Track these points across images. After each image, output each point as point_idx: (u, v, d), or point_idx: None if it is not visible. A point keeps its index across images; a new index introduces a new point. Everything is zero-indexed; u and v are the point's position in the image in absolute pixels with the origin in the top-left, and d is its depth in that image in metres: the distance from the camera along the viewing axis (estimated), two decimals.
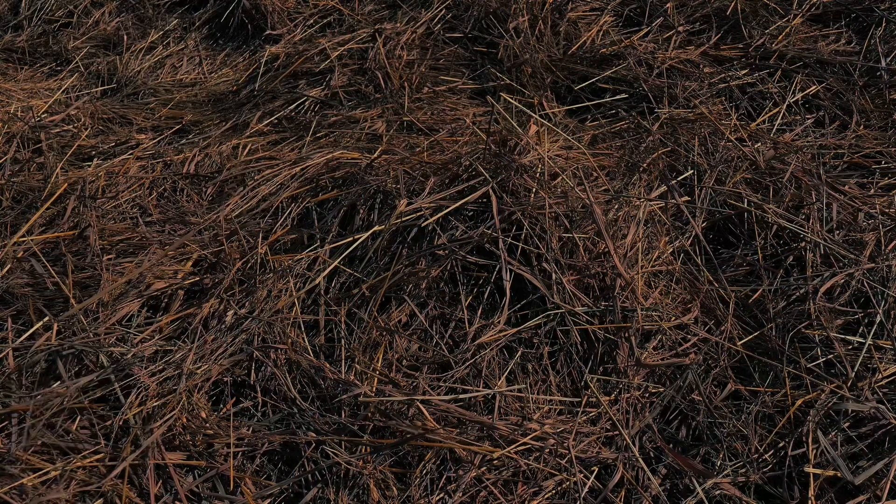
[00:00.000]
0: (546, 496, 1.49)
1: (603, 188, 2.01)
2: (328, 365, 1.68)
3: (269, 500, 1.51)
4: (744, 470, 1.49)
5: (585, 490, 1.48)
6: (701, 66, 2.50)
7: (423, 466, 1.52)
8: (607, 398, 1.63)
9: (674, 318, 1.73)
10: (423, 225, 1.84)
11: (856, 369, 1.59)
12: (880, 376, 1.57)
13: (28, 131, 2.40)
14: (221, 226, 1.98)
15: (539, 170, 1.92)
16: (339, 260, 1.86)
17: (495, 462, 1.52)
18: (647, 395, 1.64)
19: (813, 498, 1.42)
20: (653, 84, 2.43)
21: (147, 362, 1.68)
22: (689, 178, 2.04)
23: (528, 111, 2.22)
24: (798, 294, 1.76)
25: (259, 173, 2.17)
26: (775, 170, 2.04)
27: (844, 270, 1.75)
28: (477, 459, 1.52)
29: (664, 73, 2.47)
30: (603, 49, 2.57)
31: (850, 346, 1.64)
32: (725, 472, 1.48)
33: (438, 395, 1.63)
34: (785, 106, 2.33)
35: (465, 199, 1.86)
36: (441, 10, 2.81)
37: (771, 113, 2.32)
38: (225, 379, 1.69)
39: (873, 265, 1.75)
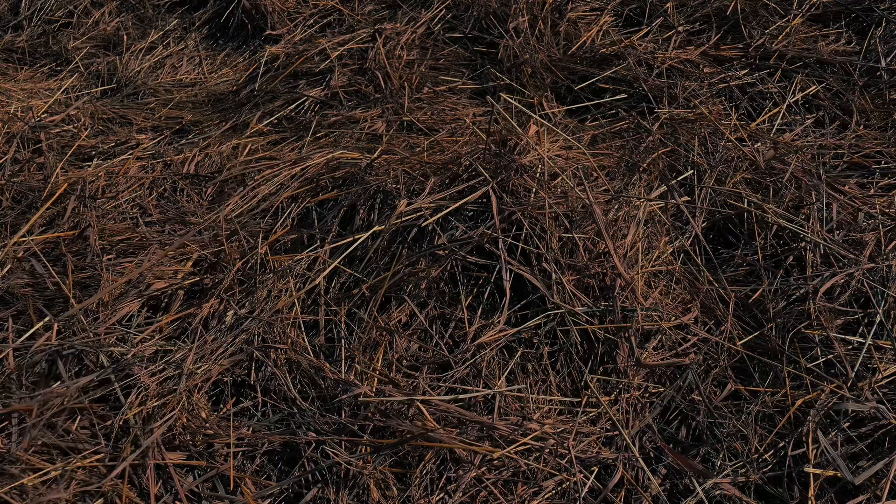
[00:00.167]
0: (546, 496, 1.49)
1: (603, 188, 2.01)
2: (328, 365, 1.68)
3: (269, 500, 1.51)
4: (744, 470, 1.49)
5: (585, 490, 1.48)
6: (701, 66, 2.50)
7: (423, 466, 1.52)
8: (607, 398, 1.63)
9: (674, 318, 1.73)
10: (423, 225, 1.84)
11: (856, 369, 1.59)
12: (880, 376, 1.57)
13: (28, 131, 2.40)
14: (221, 226, 1.98)
15: (539, 170, 1.92)
16: (339, 260, 1.86)
17: (495, 462, 1.52)
18: (647, 395, 1.64)
19: (813, 498, 1.42)
20: (653, 84, 2.43)
21: (147, 362, 1.68)
22: (689, 178, 2.04)
23: (528, 111, 2.22)
24: (798, 294, 1.76)
25: (259, 173, 2.17)
26: (775, 170, 2.04)
27: (844, 270, 1.75)
28: (477, 459, 1.52)
29: (664, 73, 2.47)
30: (603, 49, 2.57)
31: (850, 346, 1.64)
32: (725, 472, 1.48)
33: (438, 395, 1.63)
34: (785, 106, 2.33)
35: (465, 199, 1.86)
36: (441, 10, 2.81)
37: (771, 113, 2.32)
38: (225, 379, 1.69)
39: (873, 265, 1.75)
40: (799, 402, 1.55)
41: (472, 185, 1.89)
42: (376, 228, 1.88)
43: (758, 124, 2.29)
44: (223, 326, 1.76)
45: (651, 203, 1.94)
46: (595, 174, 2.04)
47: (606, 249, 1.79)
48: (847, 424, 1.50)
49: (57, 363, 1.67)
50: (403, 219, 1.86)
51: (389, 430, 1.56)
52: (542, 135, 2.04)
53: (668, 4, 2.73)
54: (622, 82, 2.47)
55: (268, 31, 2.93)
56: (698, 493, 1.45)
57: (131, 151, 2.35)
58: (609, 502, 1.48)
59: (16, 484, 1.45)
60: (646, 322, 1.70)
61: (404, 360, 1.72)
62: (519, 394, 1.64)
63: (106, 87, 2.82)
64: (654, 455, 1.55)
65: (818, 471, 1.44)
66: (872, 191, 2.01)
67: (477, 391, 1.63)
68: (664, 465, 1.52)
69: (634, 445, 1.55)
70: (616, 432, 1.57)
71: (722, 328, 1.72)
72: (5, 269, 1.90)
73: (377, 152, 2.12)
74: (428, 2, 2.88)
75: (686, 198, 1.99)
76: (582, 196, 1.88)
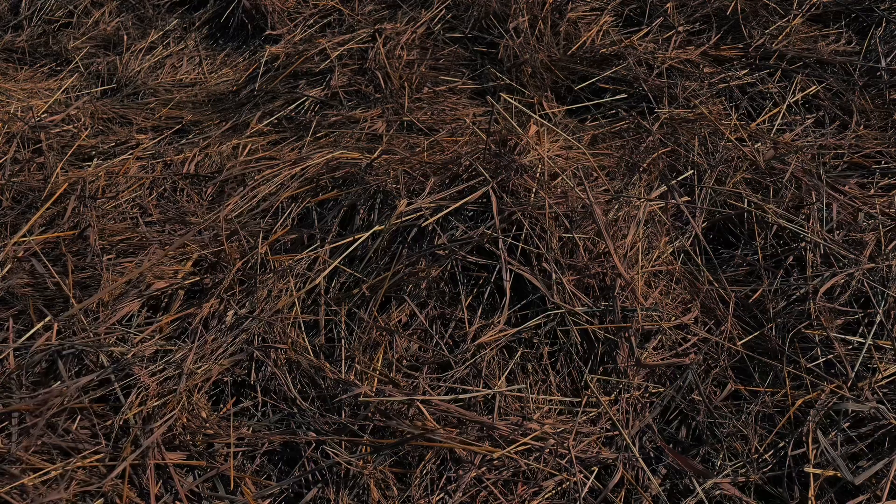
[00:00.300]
0: (546, 496, 1.49)
1: (603, 188, 2.01)
2: (328, 365, 1.68)
3: (269, 500, 1.51)
4: (744, 470, 1.49)
5: (585, 490, 1.48)
6: (701, 66, 2.50)
7: (423, 466, 1.52)
8: (607, 398, 1.63)
9: (674, 318, 1.73)
10: (423, 225, 1.84)
11: (856, 369, 1.59)
12: (880, 376, 1.57)
13: (28, 131, 2.40)
14: (221, 226, 1.98)
15: (539, 170, 1.92)
16: (339, 260, 1.86)
17: (495, 462, 1.52)
18: (647, 395, 1.64)
19: (813, 498, 1.42)
20: (653, 84, 2.43)
21: (147, 362, 1.68)
22: (689, 178, 2.04)
23: (528, 111, 2.22)
24: (798, 294, 1.76)
25: (259, 173, 2.17)
26: (775, 170, 2.04)
27: (844, 270, 1.75)
28: (477, 459, 1.52)
29: (664, 73, 2.47)
30: (603, 49, 2.57)
31: (850, 346, 1.64)
32: (725, 472, 1.48)
33: (438, 395, 1.63)
34: (785, 106, 2.33)
35: (465, 199, 1.86)
36: (441, 10, 2.81)
37: (771, 113, 2.32)
38: (225, 379, 1.69)
39: (873, 265, 1.75)
40: (799, 402, 1.55)
41: (472, 185, 1.89)
42: (376, 228, 1.88)
43: (758, 124, 2.29)
44: (223, 326, 1.76)
45: (651, 203, 1.94)
46: (595, 174, 2.04)
47: (606, 249, 1.79)
48: (847, 424, 1.50)
49: (57, 363, 1.67)
50: (403, 219, 1.86)
51: (389, 430, 1.56)
52: (542, 135, 2.04)
53: (668, 4, 2.73)
54: (622, 82, 2.47)
55: (268, 31, 2.93)
56: (698, 493, 1.45)
57: (131, 151, 2.35)
58: (609, 502, 1.48)
59: (16, 484, 1.45)
60: (646, 322, 1.70)
61: (404, 360, 1.72)
62: (519, 394, 1.64)
63: (106, 87, 2.82)
64: (654, 455, 1.55)
65: (818, 471, 1.44)
66: (872, 191, 2.01)
67: (477, 391, 1.63)
68: (664, 465, 1.52)
69: (634, 445, 1.55)
70: (616, 432, 1.57)
71: (722, 328, 1.72)
72: (5, 269, 1.90)
73: (377, 152, 2.12)
74: (428, 2, 2.88)
75: (686, 198, 1.99)
76: (582, 196, 1.88)
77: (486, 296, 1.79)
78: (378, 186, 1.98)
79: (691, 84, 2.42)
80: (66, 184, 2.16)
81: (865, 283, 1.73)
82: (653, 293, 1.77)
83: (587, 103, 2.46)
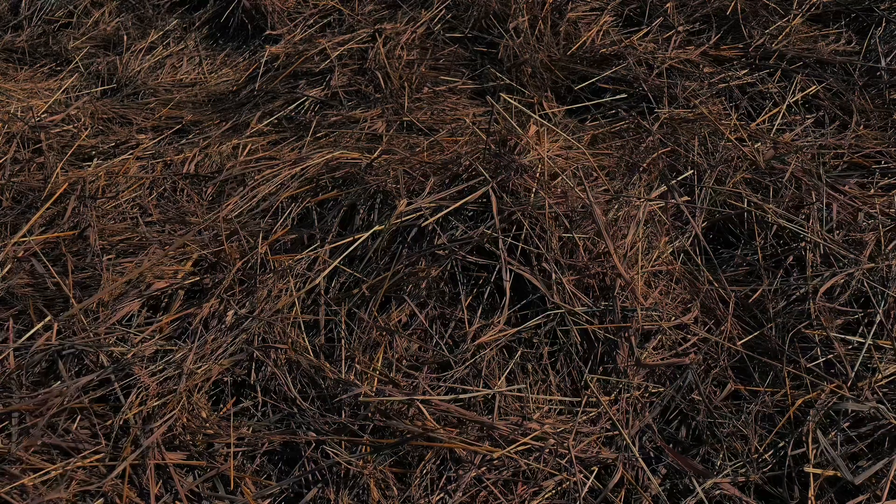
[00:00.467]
0: (546, 496, 1.49)
1: (603, 188, 2.01)
2: (328, 365, 1.68)
3: (269, 500, 1.51)
4: (744, 470, 1.49)
5: (585, 490, 1.48)
6: (701, 66, 2.50)
7: (423, 466, 1.52)
8: (607, 398, 1.63)
9: (674, 318, 1.73)
10: (423, 225, 1.84)
11: (856, 369, 1.59)
12: (880, 376, 1.57)
13: (28, 131, 2.40)
14: (221, 226, 1.98)
15: (539, 170, 1.92)
16: (339, 260, 1.86)
17: (495, 462, 1.52)
18: (647, 395, 1.64)
19: (813, 498, 1.42)
20: (653, 84, 2.43)
21: (147, 362, 1.68)
22: (689, 178, 2.04)
23: (528, 111, 2.22)
24: (798, 294, 1.76)
25: (259, 173, 2.17)
26: (775, 170, 2.04)
27: (844, 270, 1.75)
28: (477, 459, 1.52)
29: (664, 73, 2.47)
30: (603, 49, 2.57)
31: (850, 346, 1.64)
32: (725, 472, 1.48)
33: (438, 395, 1.63)
34: (785, 106, 2.33)
35: (465, 199, 1.86)
36: (441, 10, 2.81)
37: (771, 113, 2.32)
38: (225, 379, 1.69)
39: (873, 265, 1.75)
40: (799, 402, 1.55)
41: (472, 185, 1.89)
42: (376, 228, 1.88)
43: (758, 124, 2.29)
44: (223, 326, 1.76)
45: (651, 203, 1.94)
46: (595, 174, 2.04)
47: (606, 249, 1.79)
48: (847, 424, 1.50)
49: (57, 363, 1.67)
50: (403, 219, 1.86)
51: (389, 430, 1.56)
52: (542, 135, 2.04)
53: (668, 4, 2.73)
54: (622, 82, 2.47)
55: (268, 31, 2.93)
56: (698, 493, 1.45)
57: (131, 151, 2.35)
58: (609, 502, 1.48)
59: (16, 484, 1.45)
60: (646, 322, 1.70)
61: (404, 360, 1.72)
62: (519, 394, 1.64)
63: (106, 87, 2.82)
64: (654, 455, 1.55)
65: (818, 471, 1.44)
66: (872, 191, 2.01)
67: (477, 391, 1.63)
68: (664, 465, 1.52)
69: (634, 445, 1.55)
70: (616, 432, 1.57)
71: (722, 328, 1.72)
72: (5, 269, 1.90)
73: (377, 152, 2.12)
74: (428, 2, 2.88)
75: (686, 198, 1.99)
76: (582, 196, 1.88)
77: (486, 296, 1.79)
78: (378, 186, 1.98)
79: (691, 84, 2.42)
80: (66, 184, 2.16)
81: (865, 283, 1.73)
82: (653, 293, 1.77)
83: (587, 103, 2.46)
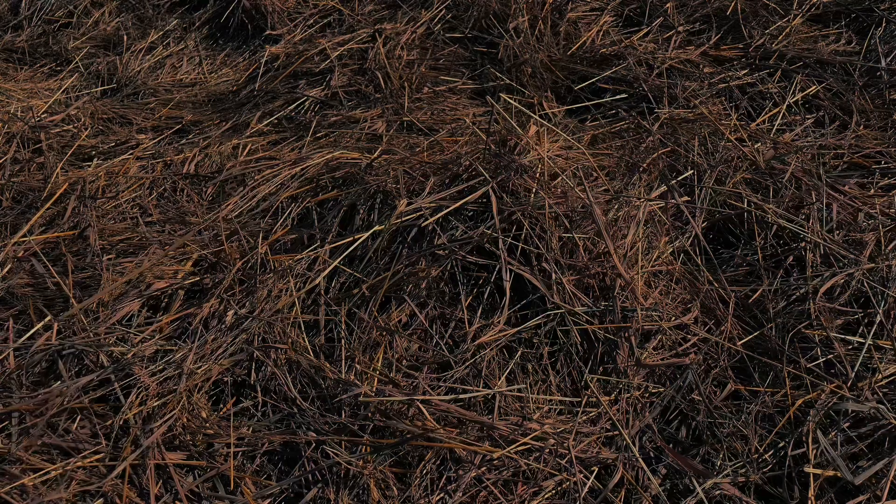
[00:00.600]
0: (546, 496, 1.49)
1: (603, 188, 2.01)
2: (328, 365, 1.68)
3: (269, 500, 1.51)
4: (744, 470, 1.49)
5: (585, 490, 1.48)
6: (701, 66, 2.50)
7: (423, 466, 1.52)
8: (607, 398, 1.63)
9: (674, 318, 1.73)
10: (423, 225, 1.84)
11: (856, 369, 1.59)
12: (880, 376, 1.57)
13: (28, 131, 2.40)
14: (221, 226, 1.98)
15: (539, 170, 1.92)
16: (339, 260, 1.86)
17: (495, 462, 1.52)
18: (647, 395, 1.64)
19: (813, 498, 1.42)
20: (653, 84, 2.43)
21: (147, 362, 1.68)
22: (689, 178, 2.04)
23: (528, 111, 2.22)
24: (798, 294, 1.76)
25: (259, 173, 2.17)
26: (775, 170, 2.04)
27: (844, 270, 1.75)
28: (477, 459, 1.52)
29: (664, 73, 2.47)
30: (603, 49, 2.57)
31: (850, 346, 1.64)
32: (725, 472, 1.48)
33: (438, 395, 1.63)
34: (785, 106, 2.33)
35: (465, 199, 1.86)
36: (441, 10, 2.81)
37: (771, 113, 2.32)
38: (225, 379, 1.69)
39: (873, 265, 1.75)
40: (799, 402, 1.55)
41: (472, 185, 1.89)
42: (376, 228, 1.88)
43: (758, 124, 2.29)
44: (223, 326, 1.76)
45: (651, 203, 1.94)
46: (595, 174, 2.04)
47: (606, 249, 1.79)
48: (847, 424, 1.50)
49: (57, 363, 1.67)
50: (403, 219, 1.86)
51: (389, 430, 1.56)
52: (542, 135, 2.04)
53: (668, 4, 2.73)
54: (622, 82, 2.47)
55: (268, 31, 2.93)
56: (698, 493, 1.44)
57: (131, 151, 2.35)
58: (609, 502, 1.48)
59: (16, 484, 1.45)
60: (646, 322, 1.70)
61: (404, 360, 1.72)
62: (519, 394, 1.64)
63: (106, 87, 2.82)
64: (654, 455, 1.55)
65: (818, 471, 1.44)
66: (872, 191, 2.01)
67: (477, 391, 1.63)
68: (664, 465, 1.52)
69: (634, 445, 1.55)
70: (616, 432, 1.57)
71: (722, 328, 1.72)
72: (5, 270, 1.90)
73: (377, 152, 2.12)
74: (428, 2, 2.88)
75: (686, 198, 1.99)
76: (582, 196, 1.88)
77: (486, 296, 1.79)
78: (378, 186, 1.98)
79: (691, 84, 2.42)
80: (66, 184, 2.16)
81: (865, 283, 1.73)
82: (653, 293, 1.77)
83: (587, 103, 2.46)
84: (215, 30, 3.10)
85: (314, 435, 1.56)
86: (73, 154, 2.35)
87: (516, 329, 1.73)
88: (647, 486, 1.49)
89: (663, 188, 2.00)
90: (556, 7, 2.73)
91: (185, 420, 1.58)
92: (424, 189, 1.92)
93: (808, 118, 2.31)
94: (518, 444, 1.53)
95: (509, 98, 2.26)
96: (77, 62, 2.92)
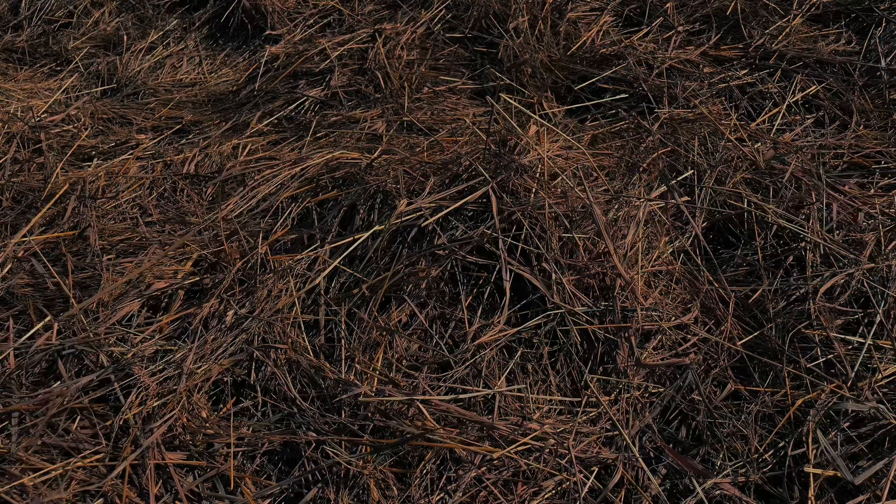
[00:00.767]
0: (546, 496, 1.49)
1: (603, 188, 2.01)
2: (328, 365, 1.68)
3: (269, 500, 1.51)
4: (744, 470, 1.49)
5: (585, 490, 1.48)
6: (701, 66, 2.50)
7: (423, 466, 1.52)
8: (607, 398, 1.63)
9: (674, 318, 1.73)
10: (423, 225, 1.84)
11: (856, 369, 1.59)
12: (880, 376, 1.57)
13: (28, 131, 2.40)
14: (221, 226, 1.98)
15: (539, 170, 1.92)
16: (339, 260, 1.86)
17: (495, 462, 1.52)
18: (647, 395, 1.64)
19: (813, 498, 1.42)
20: (653, 84, 2.43)
21: (147, 362, 1.68)
22: (689, 178, 2.04)
23: (528, 111, 2.22)
24: (798, 294, 1.76)
25: (259, 173, 2.17)
26: (775, 170, 2.04)
27: (844, 270, 1.75)
28: (477, 459, 1.52)
29: (664, 73, 2.47)
30: (603, 49, 2.57)
31: (850, 346, 1.64)
32: (725, 472, 1.48)
33: (438, 395, 1.63)
34: (785, 106, 2.33)
35: (465, 199, 1.86)
36: (441, 10, 2.81)
37: (771, 113, 2.32)
38: (225, 379, 1.69)
39: (873, 265, 1.75)
40: (799, 402, 1.55)
41: (472, 185, 1.89)
42: (376, 228, 1.88)
43: (758, 124, 2.29)
44: (223, 326, 1.76)
45: (651, 203, 1.94)
46: (595, 174, 2.04)
47: (606, 249, 1.79)
48: (847, 424, 1.50)
49: (57, 363, 1.67)
50: (403, 219, 1.86)
51: (389, 430, 1.56)
52: (542, 135, 2.04)
53: (668, 4, 2.73)
54: (622, 82, 2.47)
55: (268, 31, 2.93)
56: (698, 493, 1.44)
57: (131, 151, 2.35)
58: (609, 502, 1.48)
59: (16, 483, 1.45)
60: (646, 322, 1.70)
61: (404, 360, 1.72)
62: (519, 394, 1.64)
63: (106, 87, 2.82)
64: (654, 455, 1.55)
65: (818, 471, 1.44)
66: (872, 191, 2.01)
67: (477, 391, 1.63)
68: (664, 465, 1.52)
69: (634, 445, 1.55)
70: (616, 432, 1.57)
71: (722, 328, 1.72)
72: (5, 269, 1.90)
73: (377, 152, 2.12)
74: (428, 2, 2.88)
75: (686, 198, 1.99)
76: (582, 196, 1.88)
77: (486, 296, 1.79)
78: (378, 186, 1.98)
79: (691, 84, 2.42)
80: (67, 184, 2.16)
81: (865, 283, 1.73)
82: (653, 293, 1.77)
83: (587, 103, 2.46)
84: (215, 30, 3.10)
85: (314, 435, 1.56)
86: (73, 154, 2.35)
87: (516, 329, 1.73)
88: (647, 486, 1.49)
89: (663, 188, 2.00)
90: (556, 7, 2.73)
91: (185, 420, 1.58)
92: (424, 189, 1.92)
93: (808, 118, 2.31)
94: (518, 444, 1.53)
95: (509, 98, 2.26)
96: (77, 62, 2.92)
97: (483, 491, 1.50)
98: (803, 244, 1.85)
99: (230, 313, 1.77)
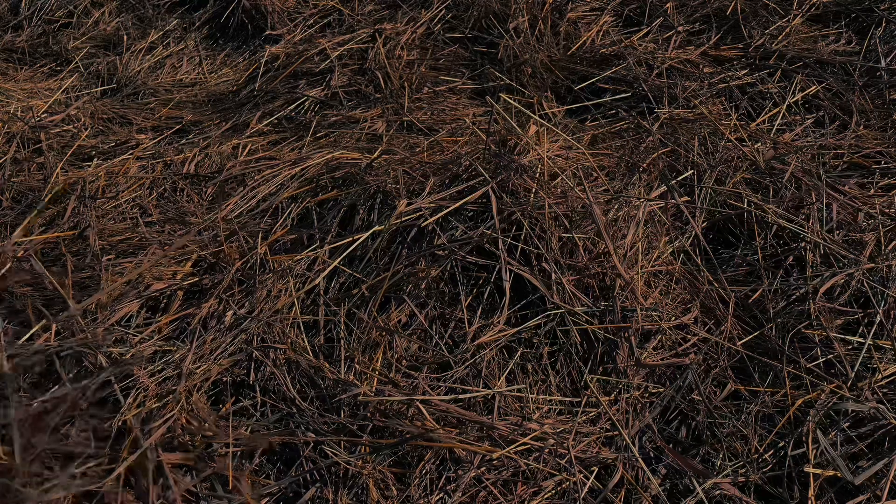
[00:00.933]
0: (546, 496, 1.49)
1: (603, 188, 2.01)
2: (328, 365, 1.68)
3: (267, 500, 1.51)
4: (744, 470, 1.48)
5: (585, 490, 1.48)
6: (701, 66, 2.50)
7: (422, 466, 1.52)
8: (607, 398, 1.63)
9: (674, 318, 1.73)
10: (423, 225, 1.84)
11: (856, 369, 1.59)
12: (880, 376, 1.57)
13: (28, 131, 2.40)
14: (221, 226, 1.98)
15: (539, 170, 1.92)
16: (338, 260, 1.86)
17: (495, 462, 1.52)
18: (647, 395, 1.64)
19: (813, 498, 1.42)
20: (653, 84, 2.42)
21: (146, 363, 1.68)
22: (689, 178, 2.04)
23: (528, 111, 2.22)
24: (798, 294, 1.76)
25: (259, 173, 2.17)
26: (775, 170, 2.04)
27: (844, 270, 1.75)
28: (477, 459, 1.52)
29: (664, 73, 2.46)
30: (603, 49, 2.57)
31: (850, 346, 1.64)
32: (725, 472, 1.48)
33: (438, 395, 1.63)
34: (785, 106, 2.33)
35: (465, 199, 1.86)
36: (441, 10, 2.81)
37: (771, 113, 2.32)
38: (224, 379, 1.69)
39: (873, 265, 1.75)
40: (799, 402, 1.55)
41: (472, 185, 1.88)
42: (376, 228, 1.88)
43: (758, 124, 2.28)
44: (222, 326, 1.75)
45: (651, 203, 1.94)
46: (595, 174, 2.04)
47: (606, 249, 1.79)
48: (847, 424, 1.50)
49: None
50: (403, 219, 1.86)
51: (389, 430, 1.56)
52: (542, 135, 2.04)
53: (668, 4, 2.73)
54: (622, 82, 2.47)
55: (268, 31, 2.93)
56: (698, 493, 1.44)
57: (131, 151, 2.35)
58: (609, 502, 1.48)
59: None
60: (646, 322, 1.70)
61: (404, 360, 1.72)
62: (519, 394, 1.64)
63: (106, 87, 2.82)
64: (654, 455, 1.55)
65: (818, 471, 1.44)
66: (872, 191, 2.01)
67: (477, 391, 1.63)
68: (664, 465, 1.52)
69: (634, 445, 1.55)
70: (616, 432, 1.57)
71: (722, 328, 1.72)
72: (5, 270, 1.89)
73: (377, 152, 2.11)
74: (428, 2, 2.88)
75: (686, 198, 1.98)
76: (582, 196, 1.88)
77: (485, 296, 1.79)
78: (378, 186, 1.97)
79: (691, 84, 2.42)
80: (66, 184, 2.16)
81: (865, 283, 1.73)
82: (653, 293, 1.77)
83: (587, 103, 2.46)
84: (215, 30, 3.10)
85: (313, 435, 1.56)
86: (73, 154, 2.35)
87: (516, 329, 1.73)
88: (647, 486, 1.49)
89: (663, 188, 2.00)
90: (556, 7, 2.73)
91: (184, 420, 1.58)
92: (424, 189, 1.92)
93: (808, 118, 2.30)
94: (518, 444, 1.53)
95: (509, 98, 2.26)
96: (77, 62, 2.92)
97: (483, 491, 1.50)
98: (803, 244, 1.85)
99: (229, 313, 1.77)
